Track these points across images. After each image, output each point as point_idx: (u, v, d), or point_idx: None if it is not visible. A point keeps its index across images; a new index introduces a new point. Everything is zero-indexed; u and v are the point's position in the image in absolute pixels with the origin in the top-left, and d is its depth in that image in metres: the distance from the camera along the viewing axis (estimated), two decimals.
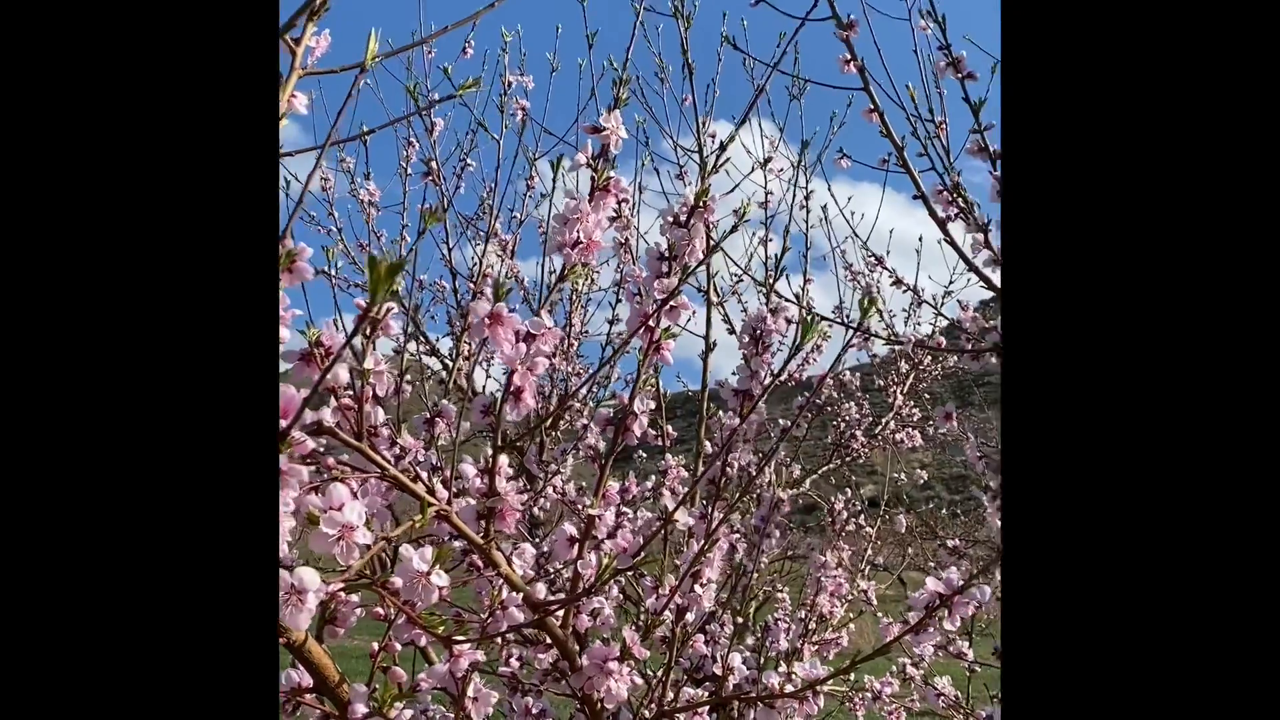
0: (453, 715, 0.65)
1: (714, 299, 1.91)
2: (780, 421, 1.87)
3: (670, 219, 0.78)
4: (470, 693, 0.63)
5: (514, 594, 0.67)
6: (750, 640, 1.79)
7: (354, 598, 0.62)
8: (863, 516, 2.06)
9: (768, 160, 1.86)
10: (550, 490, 1.26)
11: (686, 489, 0.83)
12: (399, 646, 0.62)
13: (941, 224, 1.14)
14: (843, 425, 2.43)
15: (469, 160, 2.02)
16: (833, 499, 1.79)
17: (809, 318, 0.74)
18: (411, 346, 2.23)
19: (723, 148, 0.88)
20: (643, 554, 0.72)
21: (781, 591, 2.12)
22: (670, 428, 1.61)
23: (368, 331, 0.58)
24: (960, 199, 1.12)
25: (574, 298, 2.20)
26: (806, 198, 2.31)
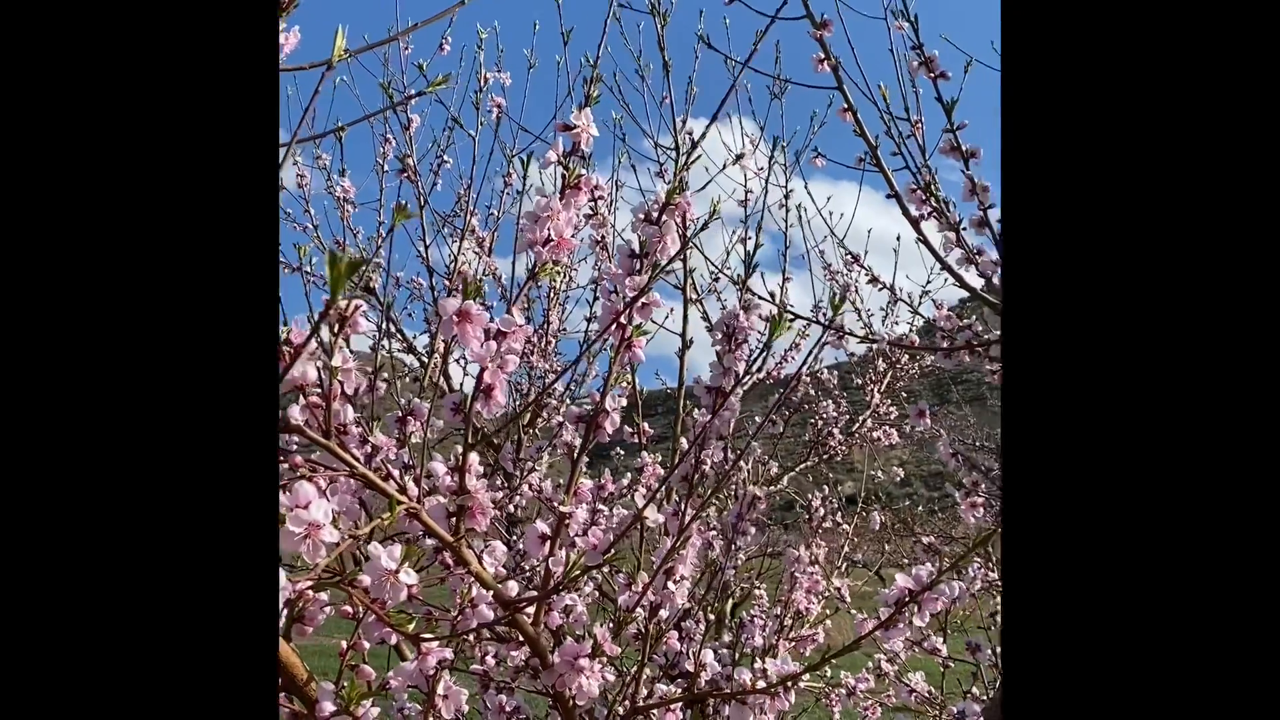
0: (425, 713, 0.65)
1: (692, 296, 1.91)
2: (756, 419, 1.88)
3: (642, 216, 0.78)
4: (440, 690, 0.63)
5: (485, 592, 0.67)
6: (727, 637, 1.80)
7: (322, 596, 0.61)
8: (840, 514, 2.06)
9: (739, 156, 1.87)
10: (526, 488, 1.27)
11: (658, 485, 0.83)
12: (367, 645, 0.62)
13: (915, 223, 1.15)
14: (820, 423, 2.44)
15: (446, 157, 2.01)
16: (810, 496, 1.80)
17: (779, 315, 0.74)
18: (390, 345, 2.22)
19: (694, 145, 0.88)
20: (614, 551, 0.72)
21: (759, 588, 2.13)
22: (647, 425, 1.61)
23: (336, 328, 0.58)
24: (933, 198, 1.13)
25: (551, 295, 2.20)
26: (786, 196, 2.32)
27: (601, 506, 1.17)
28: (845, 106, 1.18)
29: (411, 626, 0.61)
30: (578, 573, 0.66)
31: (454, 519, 0.66)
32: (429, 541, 0.66)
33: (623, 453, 2.33)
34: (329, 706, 0.57)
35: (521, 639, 0.73)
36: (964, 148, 1.10)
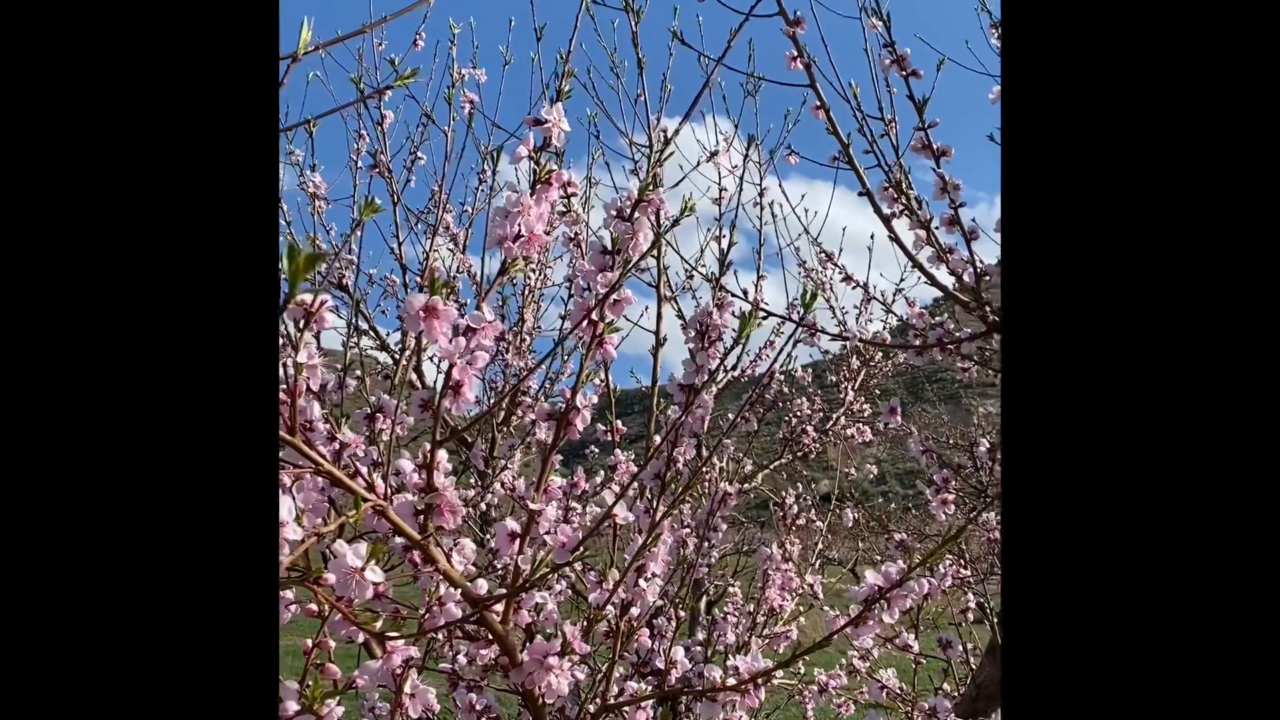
0: (393, 712, 0.65)
1: (666, 294, 1.91)
2: (731, 416, 1.88)
3: (614, 212, 0.77)
4: (407, 689, 0.62)
5: (454, 590, 0.66)
6: (701, 634, 1.80)
7: (288, 594, 0.61)
8: (814, 511, 2.07)
9: (714, 154, 1.87)
10: (498, 486, 1.26)
11: (626, 483, 0.83)
12: (333, 644, 0.61)
13: (886, 221, 1.15)
14: (794, 420, 2.45)
15: (419, 153, 2.00)
16: (784, 493, 1.81)
17: (748, 312, 0.74)
18: (363, 342, 2.21)
19: (667, 141, 0.88)
20: (583, 549, 0.72)
21: (734, 586, 2.13)
22: (622, 424, 1.61)
23: (301, 323, 0.57)
24: (904, 196, 1.13)
25: (526, 293, 2.19)
26: (760, 194, 2.32)
27: (575, 505, 1.16)
28: (818, 104, 1.18)
29: (379, 625, 0.61)
30: (546, 570, 0.65)
31: (422, 517, 0.65)
32: (398, 540, 0.66)
33: (597, 451, 2.33)
34: (293, 706, 0.56)
35: (491, 637, 0.72)
36: (935, 146, 1.10)
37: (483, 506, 1.48)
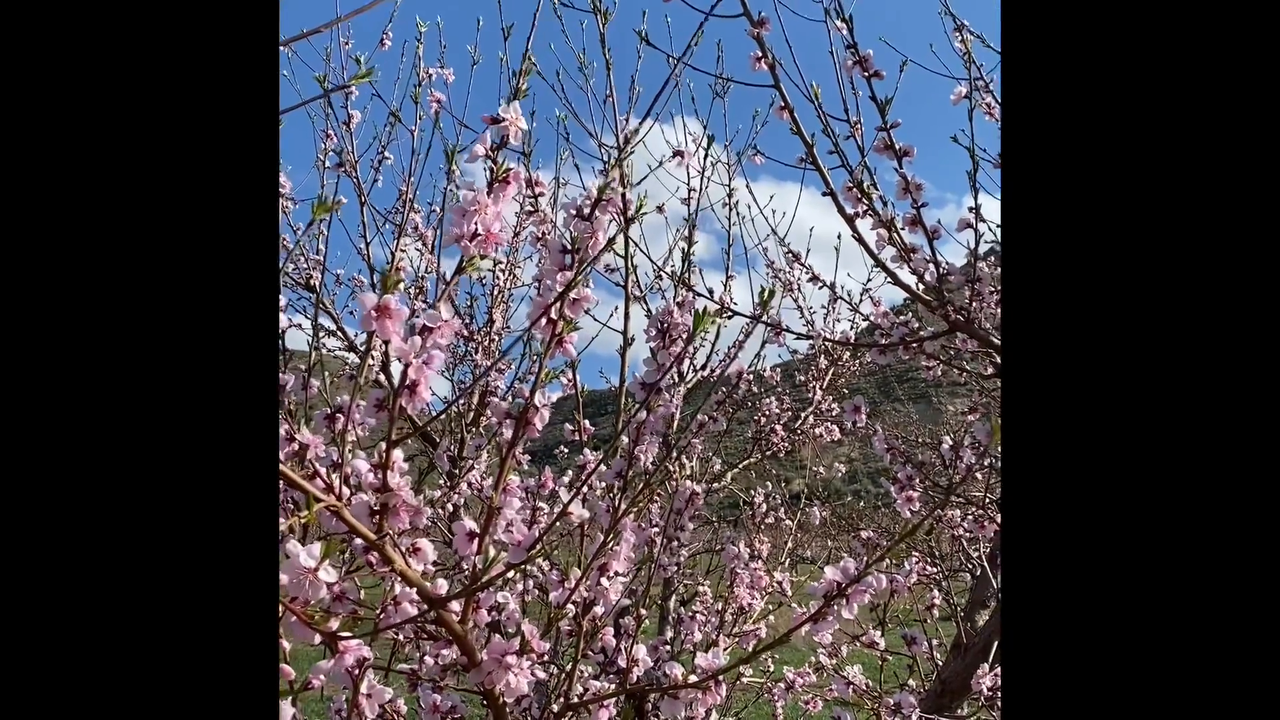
0: (349, 712, 0.64)
1: (634, 294, 1.91)
2: (699, 417, 1.89)
3: (574, 211, 0.78)
4: (364, 689, 0.62)
5: (410, 589, 0.66)
6: (670, 633, 1.80)
7: None
8: (784, 509, 2.08)
9: (678, 154, 1.87)
10: (465, 485, 1.26)
11: (583, 481, 0.83)
12: (288, 645, 0.61)
13: (850, 221, 1.16)
14: (763, 419, 2.45)
15: (387, 153, 1.99)
16: (753, 492, 1.81)
17: (705, 310, 0.74)
18: (329, 342, 2.20)
19: (628, 143, 0.88)
20: (541, 547, 0.72)
21: (703, 585, 2.14)
22: (591, 424, 1.61)
23: None
24: (866, 196, 1.14)
25: (495, 294, 2.19)
26: (729, 195, 2.33)
27: (542, 504, 1.16)
28: (783, 105, 1.19)
29: (334, 624, 0.60)
30: (500, 569, 0.65)
31: (377, 517, 0.65)
32: (359, 541, 0.66)
33: (566, 450, 2.33)
34: None
35: (451, 637, 0.72)
36: (898, 146, 1.11)
37: (450, 507, 1.48)
